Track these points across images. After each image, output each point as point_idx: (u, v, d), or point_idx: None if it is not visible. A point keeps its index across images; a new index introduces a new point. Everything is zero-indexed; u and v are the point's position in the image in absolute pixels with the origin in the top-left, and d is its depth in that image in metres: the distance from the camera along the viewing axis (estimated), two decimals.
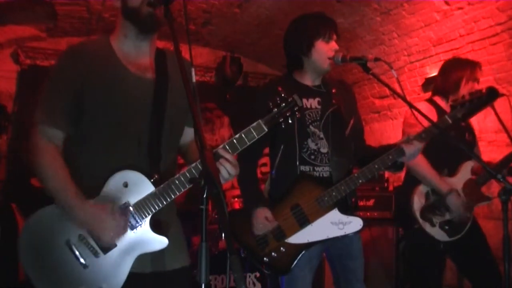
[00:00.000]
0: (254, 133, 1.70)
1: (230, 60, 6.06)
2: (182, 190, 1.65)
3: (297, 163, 2.34)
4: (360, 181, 2.29)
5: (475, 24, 3.98)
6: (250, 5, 4.92)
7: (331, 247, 2.41)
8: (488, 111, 2.66)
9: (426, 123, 2.25)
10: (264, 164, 2.87)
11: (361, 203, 4.32)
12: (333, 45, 2.38)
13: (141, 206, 1.65)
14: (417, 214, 2.76)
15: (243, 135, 1.70)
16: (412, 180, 2.85)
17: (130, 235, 1.64)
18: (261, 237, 2.30)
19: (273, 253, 2.30)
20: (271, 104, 1.75)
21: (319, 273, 4.10)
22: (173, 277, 1.75)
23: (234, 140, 1.69)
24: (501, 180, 1.99)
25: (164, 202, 1.65)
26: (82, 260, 1.61)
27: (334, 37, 2.40)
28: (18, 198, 4.20)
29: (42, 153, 1.66)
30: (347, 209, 2.34)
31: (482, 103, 2.51)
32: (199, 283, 1.19)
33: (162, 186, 1.65)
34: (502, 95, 2.64)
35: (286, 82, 2.45)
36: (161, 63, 1.83)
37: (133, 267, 1.64)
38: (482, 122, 4.05)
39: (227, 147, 1.68)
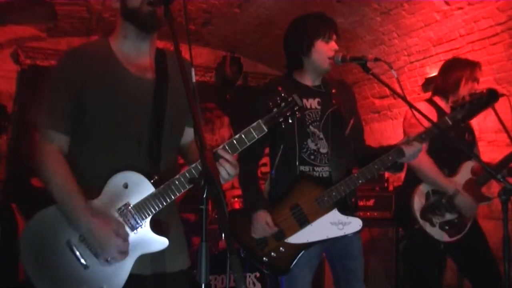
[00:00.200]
0: (254, 133, 1.70)
1: (230, 60, 6.05)
2: (182, 190, 1.65)
3: (297, 163, 2.34)
4: (360, 181, 2.29)
5: (475, 24, 3.97)
6: (250, 5, 4.92)
7: (331, 247, 2.41)
8: (488, 111, 2.65)
9: (426, 123, 2.24)
10: (264, 164, 2.87)
11: (361, 203, 4.31)
12: (333, 45, 2.38)
13: (142, 207, 1.65)
14: (417, 214, 2.76)
15: (243, 136, 1.69)
16: (412, 180, 2.85)
17: (130, 236, 1.65)
18: (260, 237, 2.31)
19: (272, 253, 2.30)
20: (271, 104, 1.74)
21: (319, 273, 4.10)
22: (173, 279, 1.75)
23: (234, 141, 1.69)
24: (501, 180, 2.00)
25: (164, 203, 1.66)
26: (82, 261, 1.61)
27: (334, 37, 2.40)
28: (18, 198, 4.20)
29: (48, 158, 1.66)
30: (347, 209, 2.34)
31: (482, 105, 2.51)
32: (199, 283, 1.19)
33: (162, 186, 1.65)
34: (502, 95, 2.63)
35: (286, 82, 2.45)
36: (161, 63, 1.83)
37: (133, 268, 1.65)
38: (482, 122, 4.04)
39: (227, 148, 1.68)
